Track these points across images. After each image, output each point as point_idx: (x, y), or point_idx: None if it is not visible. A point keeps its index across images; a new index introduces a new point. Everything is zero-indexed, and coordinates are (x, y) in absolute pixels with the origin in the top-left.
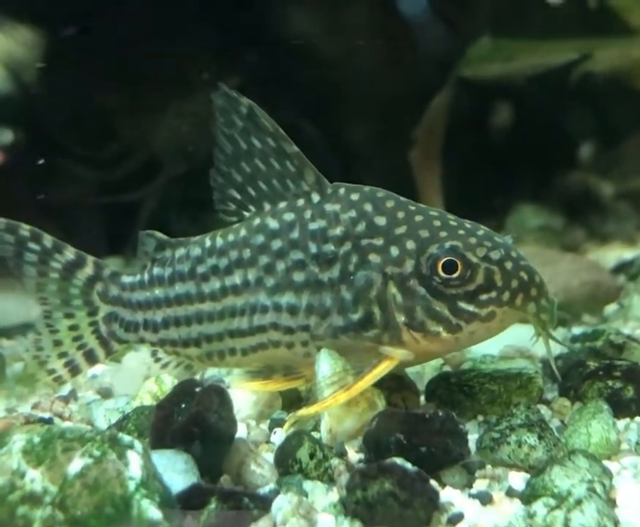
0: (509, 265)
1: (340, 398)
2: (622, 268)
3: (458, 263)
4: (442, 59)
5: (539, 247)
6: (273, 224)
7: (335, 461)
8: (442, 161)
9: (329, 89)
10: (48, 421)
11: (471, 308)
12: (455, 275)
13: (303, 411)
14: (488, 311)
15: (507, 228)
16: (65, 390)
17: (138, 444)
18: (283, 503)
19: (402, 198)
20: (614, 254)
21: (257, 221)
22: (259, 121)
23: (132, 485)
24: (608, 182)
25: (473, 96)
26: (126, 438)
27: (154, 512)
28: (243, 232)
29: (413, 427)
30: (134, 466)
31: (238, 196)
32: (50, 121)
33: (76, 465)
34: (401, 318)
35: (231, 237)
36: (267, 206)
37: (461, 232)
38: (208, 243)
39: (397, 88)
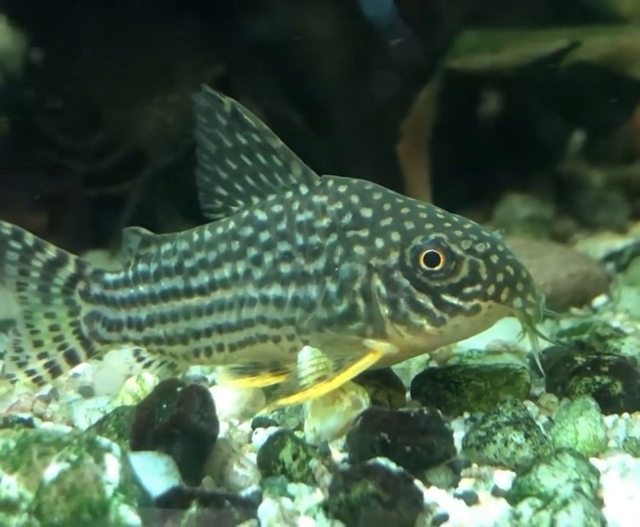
0: (495, 258)
1: (321, 389)
2: (611, 258)
3: (441, 255)
4: (428, 51)
5: (526, 238)
6: (262, 216)
7: (317, 462)
8: (430, 153)
9: (313, 81)
10: (28, 422)
11: (455, 301)
12: (437, 268)
13: (283, 401)
14: (472, 304)
15: (496, 218)
16: (46, 389)
17: (115, 447)
18: (268, 509)
19: (390, 191)
20: (604, 244)
21: (246, 213)
22: (243, 118)
23: (109, 490)
24: (598, 171)
25: (461, 88)
26: (104, 441)
27: (132, 517)
28: (232, 224)
29: (397, 426)
30: (112, 470)
31: (225, 193)
32: (35, 111)
33: (52, 470)
34: (385, 311)
35: (219, 230)
36: (256, 200)
37: (447, 224)
38: (196, 237)
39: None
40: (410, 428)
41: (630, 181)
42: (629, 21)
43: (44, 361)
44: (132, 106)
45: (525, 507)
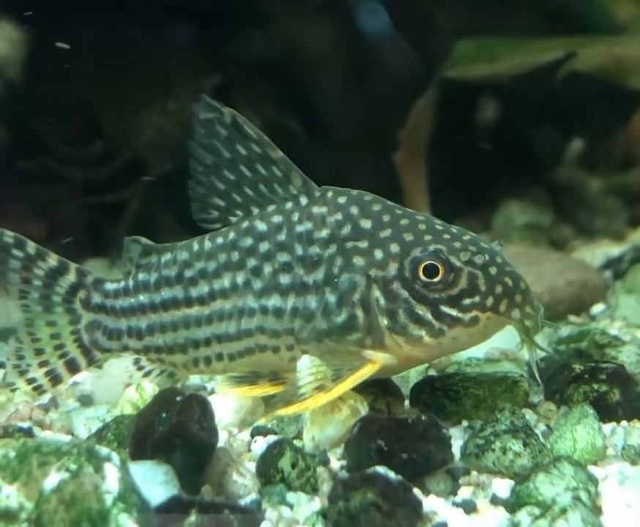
0: (493, 270)
1: (319, 399)
2: (610, 265)
3: (440, 266)
4: (425, 61)
5: (524, 246)
6: (261, 226)
7: (316, 470)
8: (428, 161)
9: (312, 91)
10: (28, 431)
11: (454, 313)
12: (436, 279)
13: (281, 411)
14: (471, 316)
15: (494, 226)
16: (46, 398)
17: (115, 456)
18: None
19: (389, 202)
20: (602, 251)
21: (246, 224)
22: (243, 129)
23: (109, 499)
24: (596, 178)
25: (459, 96)
26: (103, 450)
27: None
28: (232, 235)
29: (394, 433)
30: (111, 479)
31: (222, 203)
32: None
33: (52, 480)
34: (384, 322)
35: (219, 240)
36: (255, 211)
37: (446, 236)
38: (196, 247)
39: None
40: (407, 435)
41: (627, 188)
42: (627, 28)
43: (44, 369)
44: (132, 114)
45: (523, 516)
